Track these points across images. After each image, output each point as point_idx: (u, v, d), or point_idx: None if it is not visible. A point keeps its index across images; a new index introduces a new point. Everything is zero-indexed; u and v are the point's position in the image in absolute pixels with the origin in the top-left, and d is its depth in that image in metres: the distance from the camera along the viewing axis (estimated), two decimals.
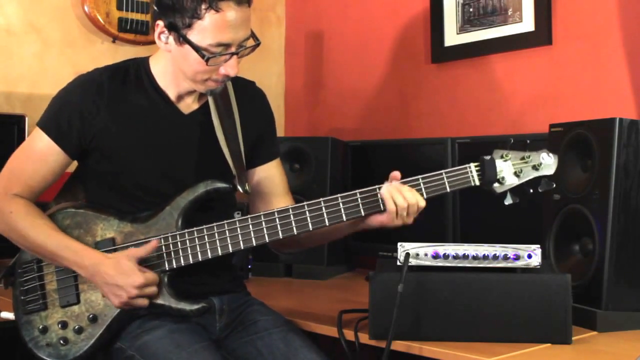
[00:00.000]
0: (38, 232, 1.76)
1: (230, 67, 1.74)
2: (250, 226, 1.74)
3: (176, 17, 1.69)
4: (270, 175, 1.97)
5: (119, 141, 1.80)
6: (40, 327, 1.76)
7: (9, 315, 1.91)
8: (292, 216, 1.74)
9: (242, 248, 1.76)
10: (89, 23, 2.88)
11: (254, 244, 1.75)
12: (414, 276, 1.69)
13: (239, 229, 1.75)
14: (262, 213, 1.75)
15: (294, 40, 3.46)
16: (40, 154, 1.80)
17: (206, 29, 1.68)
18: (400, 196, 1.71)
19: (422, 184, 1.72)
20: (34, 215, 1.77)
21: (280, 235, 1.74)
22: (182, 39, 1.70)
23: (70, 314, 1.76)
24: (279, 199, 1.96)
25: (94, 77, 1.82)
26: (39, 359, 1.75)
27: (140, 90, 1.83)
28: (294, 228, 1.74)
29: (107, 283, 1.71)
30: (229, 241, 1.75)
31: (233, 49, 1.72)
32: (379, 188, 1.74)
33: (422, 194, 1.72)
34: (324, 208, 1.73)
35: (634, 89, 2.32)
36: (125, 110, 1.81)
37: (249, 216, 1.76)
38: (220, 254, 1.75)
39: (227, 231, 1.75)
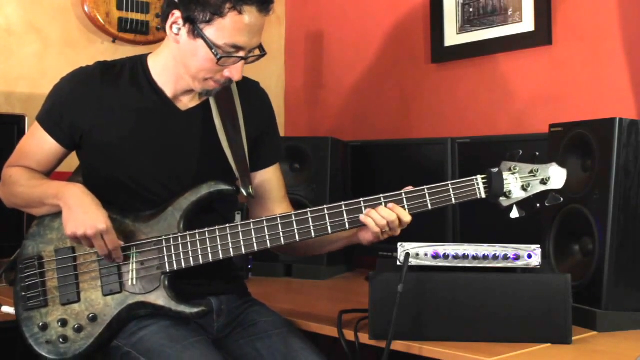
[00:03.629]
0: (32, 176, 1.84)
1: (235, 71, 1.74)
2: (253, 231, 1.74)
3: (197, 10, 1.69)
4: (269, 179, 1.96)
5: (111, 136, 1.81)
6: (40, 324, 1.76)
7: (10, 310, 1.91)
8: (294, 223, 1.73)
9: (244, 253, 1.75)
10: (89, 23, 2.88)
11: (256, 249, 1.75)
12: (414, 276, 1.69)
13: (241, 234, 1.74)
14: (264, 218, 1.75)
15: (294, 40, 3.46)
16: (37, 143, 1.87)
17: (225, 28, 1.69)
18: (378, 215, 1.70)
19: (427, 195, 1.71)
20: (28, 170, 1.86)
21: (282, 242, 1.74)
22: (197, 33, 1.70)
23: (70, 312, 1.76)
24: (277, 204, 1.95)
25: (87, 71, 1.86)
26: (39, 356, 1.75)
27: (134, 86, 1.84)
28: (296, 234, 1.73)
29: (75, 206, 1.72)
30: (230, 245, 1.74)
31: (243, 54, 1.73)
32: (365, 207, 1.72)
33: (426, 205, 1.71)
34: (327, 217, 1.73)
35: (634, 89, 2.32)
36: (116, 105, 1.82)
37: (251, 221, 1.75)
38: (221, 258, 1.75)
39: (229, 235, 1.74)
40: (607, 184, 1.81)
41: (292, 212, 1.75)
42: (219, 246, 1.74)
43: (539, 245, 1.71)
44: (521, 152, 1.71)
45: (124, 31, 2.89)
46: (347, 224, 1.72)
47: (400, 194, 1.72)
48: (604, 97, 2.40)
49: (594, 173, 1.86)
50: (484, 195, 1.71)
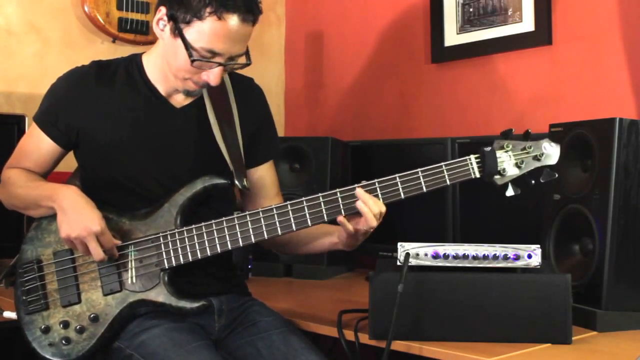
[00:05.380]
0: (30, 178, 1.85)
1: (213, 76, 1.74)
2: (249, 223, 1.74)
3: (179, 10, 1.69)
4: (263, 176, 1.97)
5: (106, 134, 1.82)
6: (43, 327, 1.76)
7: (11, 314, 1.91)
8: (290, 212, 1.73)
9: (241, 245, 1.75)
10: (89, 23, 2.88)
11: (253, 241, 1.74)
12: (414, 276, 1.69)
13: (237, 227, 1.74)
14: (260, 210, 1.75)
15: (294, 40, 3.46)
16: (34, 143, 1.88)
17: (203, 32, 1.68)
18: (370, 202, 1.68)
19: (421, 177, 1.69)
20: (26, 172, 1.87)
21: (279, 232, 1.73)
22: (178, 33, 1.71)
23: (71, 313, 1.76)
24: (269, 201, 1.96)
25: (83, 71, 1.87)
26: (43, 359, 1.75)
27: (129, 85, 1.85)
28: (293, 224, 1.73)
29: (68, 208, 1.72)
30: (227, 239, 1.74)
31: (221, 60, 1.72)
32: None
33: (421, 187, 1.69)
34: (322, 204, 1.72)
35: (634, 89, 2.32)
36: (111, 104, 1.83)
37: (247, 213, 1.75)
38: (219, 251, 1.75)
39: (225, 229, 1.74)
40: (607, 184, 1.81)
41: (288, 202, 1.74)
42: (216, 240, 1.74)
43: (539, 245, 1.71)
44: (513, 130, 1.69)
45: (124, 31, 2.90)
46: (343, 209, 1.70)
47: (394, 178, 1.70)
48: (604, 97, 2.40)
49: (594, 173, 1.86)
50: (478, 175, 1.68)
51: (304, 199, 1.73)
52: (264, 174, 1.98)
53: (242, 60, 1.76)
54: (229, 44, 1.70)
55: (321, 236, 1.86)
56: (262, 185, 1.97)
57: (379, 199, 1.70)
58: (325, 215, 1.72)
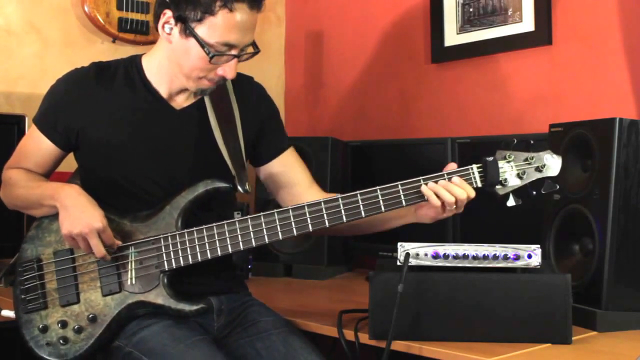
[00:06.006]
0: (30, 178, 1.85)
1: (229, 69, 1.75)
2: (250, 227, 1.74)
3: (188, 9, 1.70)
4: (287, 165, 1.95)
5: (105, 136, 1.82)
6: (40, 326, 1.76)
7: (10, 313, 1.91)
8: (291, 217, 1.73)
9: (242, 249, 1.75)
10: (89, 23, 2.88)
11: (254, 245, 1.74)
12: (414, 276, 1.69)
13: (238, 230, 1.74)
14: (262, 214, 1.74)
15: (294, 40, 3.46)
16: (34, 144, 1.89)
17: (216, 26, 1.69)
18: (447, 192, 1.69)
19: (423, 185, 1.70)
20: (26, 172, 1.88)
21: (280, 236, 1.73)
22: (189, 32, 1.71)
23: (70, 313, 1.76)
24: (305, 190, 1.93)
25: (82, 72, 1.87)
26: (40, 358, 1.75)
27: (129, 86, 1.85)
28: (294, 229, 1.73)
29: (70, 206, 1.72)
30: (228, 242, 1.74)
31: (236, 52, 1.73)
32: (424, 181, 1.71)
33: (422, 195, 1.70)
34: (324, 209, 1.72)
35: (634, 89, 2.32)
36: (110, 106, 1.83)
37: (248, 217, 1.75)
38: (219, 255, 1.75)
39: (226, 232, 1.74)
40: (607, 184, 1.81)
41: (289, 207, 1.74)
42: (217, 242, 1.74)
43: (539, 245, 1.71)
44: (515, 141, 1.71)
45: (124, 31, 2.89)
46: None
47: (396, 185, 1.70)
48: (604, 97, 2.40)
49: (594, 173, 1.86)
50: (479, 184, 1.71)
51: (305, 204, 1.73)
52: (288, 163, 1.95)
53: (251, 49, 1.78)
54: (242, 34, 1.72)
55: (394, 218, 1.83)
56: (291, 174, 1.95)
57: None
58: (326, 221, 1.72)
